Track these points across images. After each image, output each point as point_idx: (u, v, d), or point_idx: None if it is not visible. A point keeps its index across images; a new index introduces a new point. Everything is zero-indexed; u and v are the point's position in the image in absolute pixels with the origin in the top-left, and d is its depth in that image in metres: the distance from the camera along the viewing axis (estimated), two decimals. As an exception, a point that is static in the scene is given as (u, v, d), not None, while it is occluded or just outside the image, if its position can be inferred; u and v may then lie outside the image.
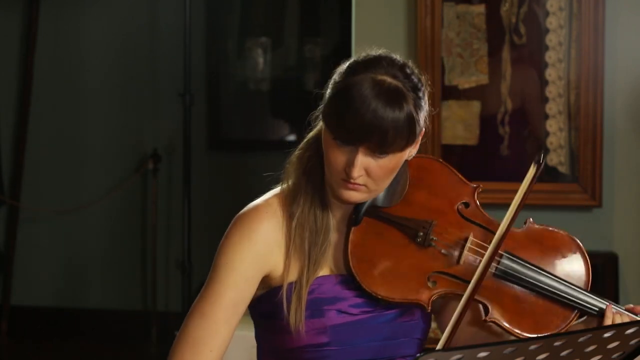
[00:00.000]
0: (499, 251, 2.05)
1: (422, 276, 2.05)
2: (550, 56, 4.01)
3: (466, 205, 2.11)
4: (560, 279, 2.11)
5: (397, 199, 2.08)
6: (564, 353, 1.69)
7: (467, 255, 2.07)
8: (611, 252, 4.02)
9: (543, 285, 2.09)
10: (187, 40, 4.96)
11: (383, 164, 1.98)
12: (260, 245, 2.05)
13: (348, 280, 2.07)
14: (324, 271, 2.08)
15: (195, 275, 4.99)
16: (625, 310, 2.12)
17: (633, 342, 1.77)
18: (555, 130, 4.02)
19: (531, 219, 2.15)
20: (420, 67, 4.05)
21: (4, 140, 5.64)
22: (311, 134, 2.13)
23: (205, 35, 5.55)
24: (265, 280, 2.08)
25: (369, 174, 1.98)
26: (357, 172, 1.96)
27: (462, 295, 2.04)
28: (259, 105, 5.63)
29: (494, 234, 2.06)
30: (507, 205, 3.69)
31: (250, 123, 5.63)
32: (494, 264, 2.07)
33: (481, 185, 2.15)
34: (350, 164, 1.97)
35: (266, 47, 5.55)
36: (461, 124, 4.06)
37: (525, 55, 4.02)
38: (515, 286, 2.09)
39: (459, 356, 1.58)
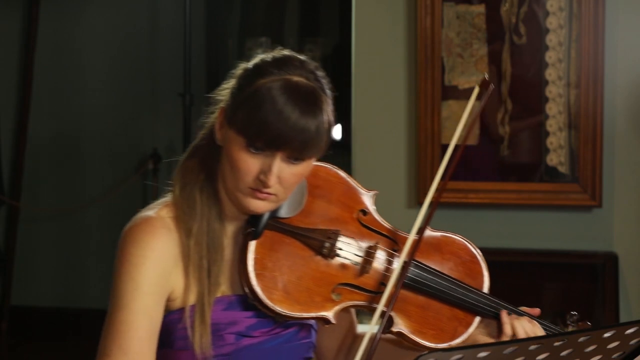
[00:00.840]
0: (406, 260, 1.99)
1: (327, 289, 1.96)
2: (550, 56, 4.01)
3: (364, 212, 2.04)
4: (463, 284, 2.07)
5: (297, 209, 1.97)
6: (564, 353, 1.69)
7: (374, 265, 1.99)
8: (611, 252, 4.02)
9: (448, 292, 2.04)
10: (187, 40, 4.96)
11: (297, 171, 1.89)
12: (161, 262, 1.89)
13: (243, 300, 1.94)
14: (218, 292, 1.93)
15: (195, 275, 4.98)
16: (521, 310, 2.09)
17: (633, 342, 1.77)
18: (555, 130, 4.02)
19: (428, 226, 2.06)
20: (420, 67, 4.06)
21: (4, 140, 5.64)
22: (197, 140, 2.01)
23: (205, 35, 5.55)
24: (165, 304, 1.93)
25: (281, 182, 1.88)
26: (274, 180, 1.85)
27: (366, 306, 1.99)
28: (259, 105, 5.63)
29: (396, 241, 2.03)
30: (507, 206, 3.69)
31: (250, 123, 5.63)
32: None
33: (376, 192, 2.07)
34: (266, 171, 1.86)
35: (266, 47, 5.55)
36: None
37: (525, 55, 4.02)
38: (420, 294, 2.04)
39: (459, 356, 1.58)
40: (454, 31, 4.05)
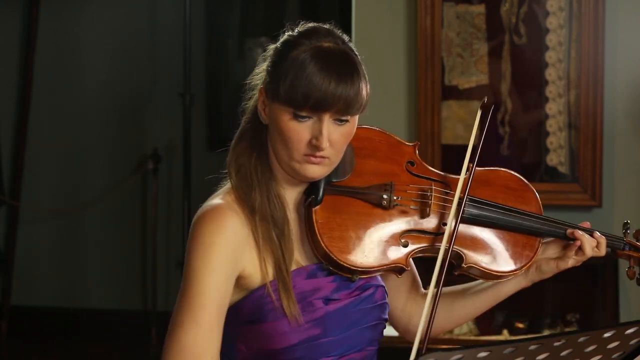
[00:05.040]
0: (460, 195, 2.10)
1: (394, 239, 2.07)
2: (550, 56, 4.00)
3: (412, 163, 2.16)
4: (518, 210, 2.18)
5: (348, 171, 2.09)
6: (564, 353, 1.69)
7: (433, 208, 2.11)
8: (611, 252, 4.01)
9: (508, 219, 2.16)
10: (187, 40, 4.96)
11: (344, 131, 2.01)
12: (232, 242, 2.00)
13: (320, 268, 2.06)
14: (292, 266, 2.05)
15: (195, 275, 4.98)
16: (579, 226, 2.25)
17: (633, 342, 1.77)
18: (555, 130, 4.02)
19: (472, 165, 2.19)
20: (420, 67, 4.06)
21: (4, 140, 5.64)
22: (243, 126, 2.15)
23: (205, 35, 5.55)
24: (241, 282, 2.03)
25: (332, 144, 2.00)
26: (326, 142, 1.98)
27: (434, 248, 2.09)
28: (259, 105, 5.63)
29: (447, 183, 2.15)
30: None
31: (250, 123, 5.62)
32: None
33: (418, 142, 2.22)
34: (317, 136, 1.98)
35: (266, 47, 5.55)
36: (461, 124, 4.06)
37: (525, 55, 4.02)
38: (482, 227, 2.15)
39: (459, 356, 1.58)
40: (454, 31, 4.05)
